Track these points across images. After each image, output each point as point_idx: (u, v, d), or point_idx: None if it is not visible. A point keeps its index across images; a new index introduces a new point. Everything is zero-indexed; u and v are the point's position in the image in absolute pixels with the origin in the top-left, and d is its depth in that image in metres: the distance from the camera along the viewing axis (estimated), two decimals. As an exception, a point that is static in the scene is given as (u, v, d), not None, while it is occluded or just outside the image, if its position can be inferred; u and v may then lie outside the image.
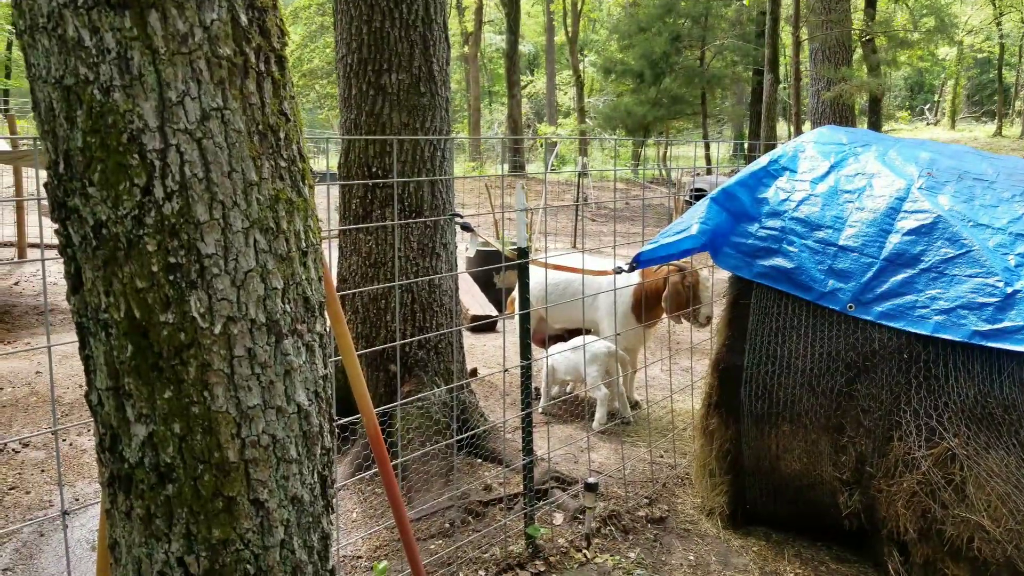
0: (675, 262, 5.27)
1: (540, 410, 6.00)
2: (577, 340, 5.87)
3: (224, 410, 1.45)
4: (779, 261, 4.08)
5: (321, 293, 1.60)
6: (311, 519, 1.60)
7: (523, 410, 3.74)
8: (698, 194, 17.81)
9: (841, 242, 4.00)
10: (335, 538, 2.12)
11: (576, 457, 5.17)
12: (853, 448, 3.94)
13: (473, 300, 8.80)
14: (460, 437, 4.60)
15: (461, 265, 9.77)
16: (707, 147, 27.21)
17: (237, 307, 1.43)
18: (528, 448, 3.72)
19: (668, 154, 30.64)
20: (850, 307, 3.87)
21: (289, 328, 1.52)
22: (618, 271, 4.14)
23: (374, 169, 4.57)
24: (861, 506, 3.97)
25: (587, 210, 20.38)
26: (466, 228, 3.57)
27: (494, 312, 8.21)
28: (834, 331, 3.96)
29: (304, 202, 1.56)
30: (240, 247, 1.43)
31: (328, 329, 1.70)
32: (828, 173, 4.33)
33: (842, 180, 4.26)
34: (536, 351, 6.66)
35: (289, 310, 1.52)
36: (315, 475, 1.60)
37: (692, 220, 4.19)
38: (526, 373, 3.70)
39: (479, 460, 4.75)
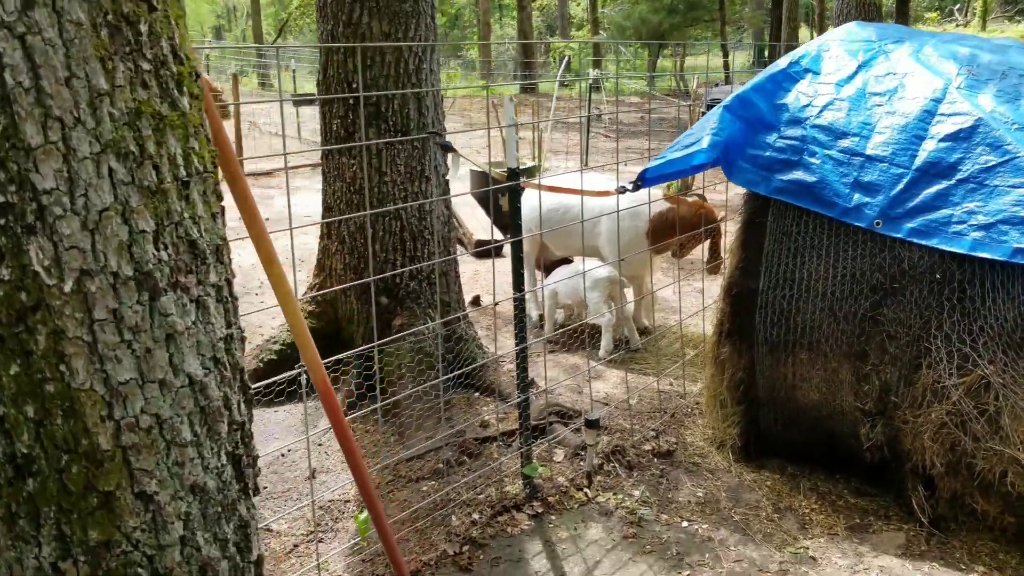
0: (698, 194, 4.91)
1: (545, 338, 5.73)
2: (578, 264, 5.55)
3: (88, 387, 1.16)
4: (799, 174, 3.71)
5: (216, 234, 1.29)
6: (221, 508, 1.32)
7: (517, 344, 3.45)
8: (714, 104, 17.14)
9: (868, 151, 3.62)
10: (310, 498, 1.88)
11: (580, 387, 4.92)
12: (877, 377, 3.64)
13: (476, 222, 8.45)
14: (453, 374, 4.34)
15: (457, 188, 9.39)
16: (725, 55, 26.19)
17: (92, 257, 1.13)
18: (523, 385, 3.45)
19: (684, 64, 29.62)
20: (877, 224, 3.52)
21: (168, 281, 1.21)
22: (621, 191, 3.78)
23: (354, 85, 4.19)
24: (884, 438, 3.69)
25: (600, 126, 19.74)
26: (446, 148, 3.21)
27: (500, 236, 7.88)
28: (859, 251, 3.61)
29: (182, 117, 1.23)
30: (90, 178, 1.11)
31: (231, 278, 1.39)
32: (855, 74, 3.90)
33: (871, 81, 3.84)
34: (540, 277, 6.36)
35: (167, 258, 1.21)
36: (222, 456, 1.32)
37: (703, 132, 3.80)
38: (519, 305, 3.40)
39: (477, 394, 4.50)
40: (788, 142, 3.79)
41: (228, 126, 13.29)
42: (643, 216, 5.15)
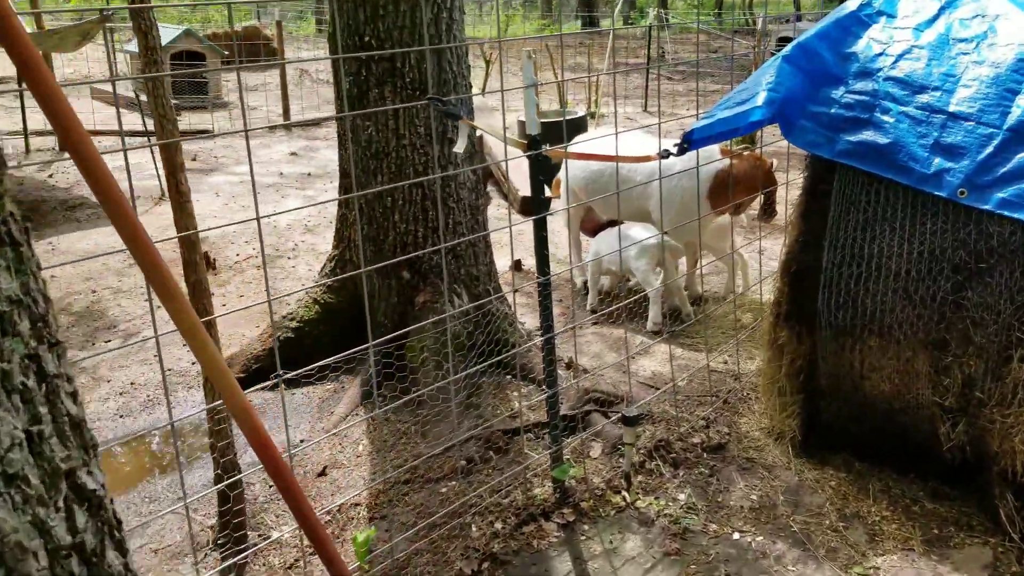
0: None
1: (588, 307, 5.33)
2: (626, 227, 5.09)
3: None
4: (870, 135, 3.19)
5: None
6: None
7: (543, 334, 3.07)
8: (783, 45, 16.12)
9: (952, 108, 3.08)
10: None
11: (624, 366, 4.52)
12: (959, 369, 3.16)
13: (523, 177, 8.00)
14: (482, 360, 3.97)
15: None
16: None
17: None
18: (551, 378, 3.08)
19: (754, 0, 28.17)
20: (961, 193, 3.00)
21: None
22: (664, 155, 3.32)
23: (367, 38, 3.78)
24: (967, 438, 3.23)
25: (663, 66, 18.84)
26: (450, 115, 2.78)
27: (547, 192, 7.44)
28: (939, 224, 3.11)
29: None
30: None
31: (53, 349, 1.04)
32: (937, 16, 3.33)
33: (955, 25, 3.27)
34: (585, 242, 5.93)
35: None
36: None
37: (758, 86, 3.29)
38: (544, 292, 3.01)
39: (509, 378, 4.15)
40: (857, 97, 3.26)
41: (274, 78, 13.00)
42: (701, 176, 4.63)
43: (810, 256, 3.42)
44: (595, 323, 5.11)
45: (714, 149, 4.80)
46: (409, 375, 3.90)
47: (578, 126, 8.59)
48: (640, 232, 4.95)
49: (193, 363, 4.65)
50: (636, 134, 5.39)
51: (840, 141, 3.25)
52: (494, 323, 4.15)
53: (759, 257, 4.98)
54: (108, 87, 14.97)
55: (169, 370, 4.57)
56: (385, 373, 3.93)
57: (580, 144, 5.50)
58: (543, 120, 8.88)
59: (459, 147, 2.70)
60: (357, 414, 3.91)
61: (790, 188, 4.42)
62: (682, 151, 3.40)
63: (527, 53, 2.74)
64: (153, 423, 4.06)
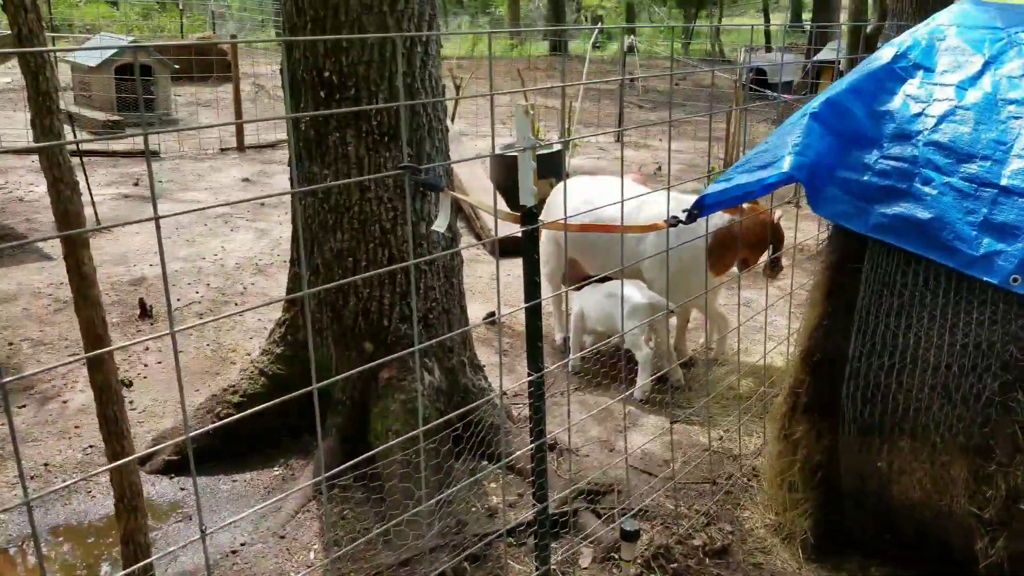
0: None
1: (569, 368, 4.86)
2: (614, 284, 4.64)
3: None
4: (909, 208, 2.78)
5: None
6: None
7: (534, 437, 2.58)
8: (757, 79, 15.87)
9: (1004, 181, 2.69)
10: None
11: (612, 442, 4.06)
12: (1003, 479, 2.76)
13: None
14: (458, 443, 3.47)
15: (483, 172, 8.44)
16: (767, 18, 24.75)
17: None
18: (541, 491, 2.59)
19: (721, 29, 28.23)
20: (1014, 280, 2.60)
21: None
22: (673, 223, 2.87)
23: (326, 73, 3.29)
24: (1006, 554, 2.82)
25: (632, 93, 18.58)
26: (429, 187, 2.28)
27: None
28: (987, 314, 2.71)
29: None
30: None
31: None
32: (981, 73, 2.95)
33: (1003, 83, 2.90)
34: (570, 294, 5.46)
35: None
36: None
37: (783, 148, 2.86)
38: (536, 393, 2.52)
39: (485, 463, 3.65)
40: (894, 163, 2.85)
41: (228, 93, 12.39)
42: (700, 232, 4.19)
43: (834, 342, 2.99)
44: (575, 388, 4.64)
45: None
46: (370, 466, 3.38)
47: (552, 163, 8.15)
48: (631, 291, 4.51)
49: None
50: (625, 183, 4.96)
51: (873, 213, 2.83)
52: (470, 401, 3.66)
53: (762, 317, 4.57)
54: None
55: (90, 447, 3.99)
56: (346, 456, 3.41)
57: (556, 193, 5.05)
58: (512, 153, 8.44)
59: (439, 224, 2.23)
60: (308, 510, 3.37)
61: (802, 238, 4.02)
62: (692, 218, 2.96)
63: (522, 108, 2.27)
64: (70, 517, 3.47)
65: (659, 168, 10.91)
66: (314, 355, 3.76)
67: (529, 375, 2.48)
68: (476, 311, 5.68)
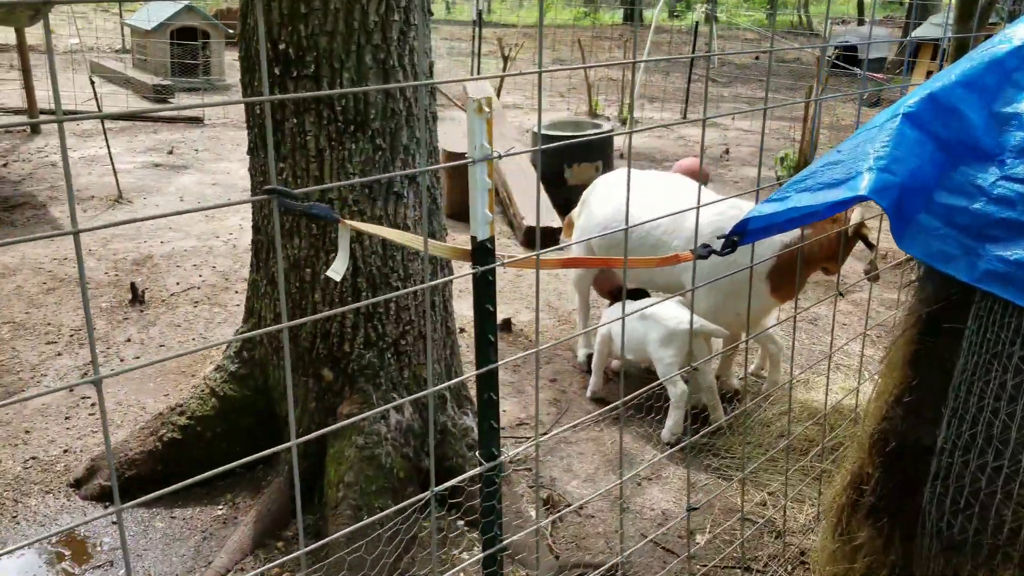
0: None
1: (588, 394, 4.16)
2: (648, 301, 3.91)
3: None
4: (1037, 253, 1.98)
5: None
6: None
7: (483, 546, 1.90)
8: (846, 55, 14.57)
9: None
10: None
11: (628, 498, 3.36)
12: None
13: (531, 203, 6.81)
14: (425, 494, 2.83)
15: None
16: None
17: None
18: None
19: (810, -2, 26.63)
20: None
21: None
22: (704, 253, 2.15)
23: (282, 46, 2.63)
24: None
25: (707, 68, 17.44)
26: (311, 217, 1.47)
27: (559, 222, 6.24)
28: None
29: None
30: None
31: None
32: None
33: None
34: (597, 305, 4.75)
35: None
36: None
37: (861, 159, 2.08)
38: (489, 488, 1.84)
39: (462, 524, 2.99)
40: (1020, 188, 2.04)
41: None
42: (759, 251, 3.40)
43: (917, 427, 2.22)
44: (593, 424, 3.94)
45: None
46: (320, 519, 2.76)
47: (601, 145, 7.37)
48: (670, 312, 3.76)
49: (67, 450, 3.57)
50: (672, 179, 4.19)
51: (987, 256, 2.03)
52: (448, 445, 3.00)
53: (828, 339, 3.77)
54: (110, 61, 13.99)
55: (31, 459, 3.48)
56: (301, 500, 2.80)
57: (596, 188, 4.32)
58: (557, 133, 7.67)
59: (338, 266, 1.57)
60: (243, 569, 2.78)
61: (886, 243, 3.19)
62: (730, 247, 2.22)
63: (476, 104, 1.57)
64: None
65: (727, 151, 9.98)
66: (270, 377, 3.17)
67: (480, 463, 1.80)
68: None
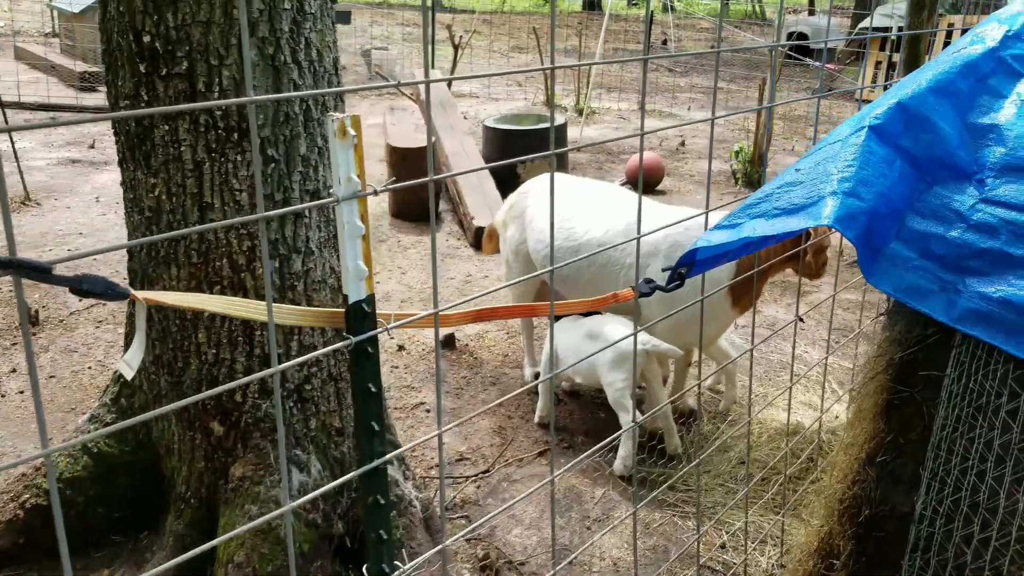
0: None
1: (536, 419, 3.81)
2: (599, 321, 3.57)
3: None
4: (1027, 289, 1.67)
5: None
6: None
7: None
8: (799, 44, 14.36)
9: None
10: None
11: (573, 546, 3.01)
12: None
13: (483, 201, 6.42)
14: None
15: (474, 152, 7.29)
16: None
17: None
18: None
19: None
20: None
21: None
22: (648, 290, 1.80)
23: (147, 38, 2.21)
24: None
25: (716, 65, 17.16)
26: (82, 294, 1.12)
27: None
28: None
29: None
30: None
31: None
32: None
33: None
34: (538, 326, 4.38)
35: None
36: None
37: (823, 180, 1.74)
38: (378, 571, 1.47)
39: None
40: (1003, 213, 1.72)
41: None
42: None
43: (892, 490, 1.90)
44: (541, 450, 3.59)
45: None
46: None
47: (557, 141, 6.99)
48: (618, 330, 3.43)
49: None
50: (611, 191, 3.84)
51: (967, 293, 1.71)
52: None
53: (788, 346, 3.45)
54: (36, 46, 13.25)
55: None
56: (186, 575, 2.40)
57: (533, 196, 3.95)
58: (515, 128, 7.29)
59: (131, 356, 1.20)
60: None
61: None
62: (677, 281, 1.88)
63: (338, 123, 1.20)
64: None
65: (682, 144, 9.69)
66: (153, 429, 2.75)
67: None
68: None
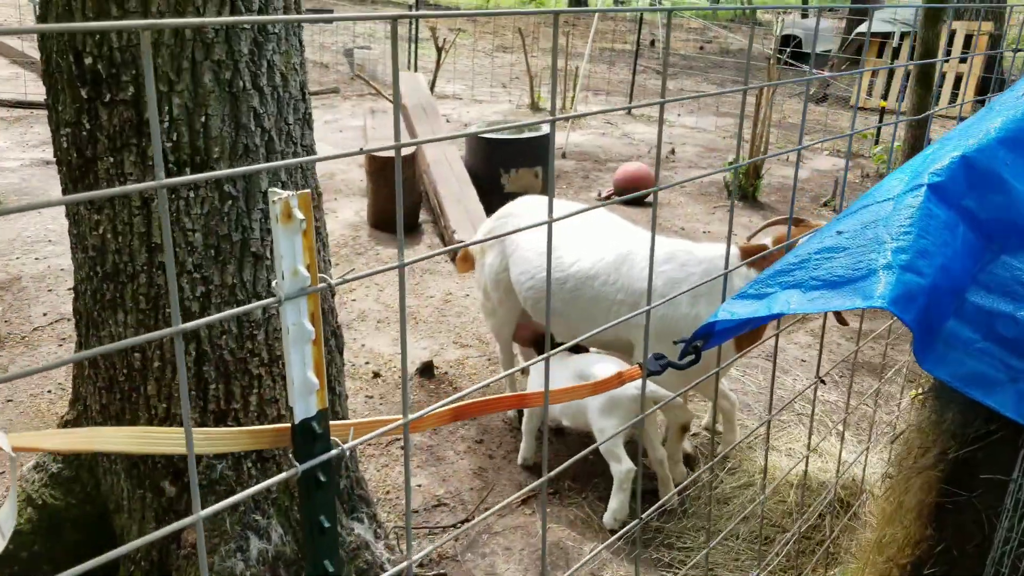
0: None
1: (519, 461, 3.56)
2: (588, 361, 3.32)
3: None
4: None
5: None
6: None
7: None
8: (793, 50, 14.19)
9: None
10: None
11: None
12: None
13: (465, 215, 6.16)
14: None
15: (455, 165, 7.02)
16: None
17: None
18: None
19: (755, -13, 26.34)
20: None
21: None
22: (658, 368, 1.57)
23: (88, 60, 1.94)
24: None
25: (653, 56, 16.96)
26: None
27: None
28: None
29: None
30: None
31: None
32: None
33: None
34: (521, 356, 4.13)
35: None
36: None
37: (874, 250, 1.49)
38: None
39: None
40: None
41: None
42: (718, 293, 2.84)
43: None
44: (524, 500, 3.34)
45: (734, 252, 3.02)
46: None
47: (542, 149, 6.75)
48: (607, 369, 3.18)
49: None
50: (599, 217, 3.58)
51: (1046, 386, 1.47)
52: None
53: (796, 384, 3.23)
54: (14, 41, 12.81)
55: None
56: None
57: (515, 221, 3.69)
58: (498, 138, 7.03)
59: (3, 520, 0.95)
60: None
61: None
62: (692, 356, 1.63)
63: (282, 205, 0.94)
64: None
65: (672, 151, 9.46)
66: (101, 482, 2.48)
67: None
68: (413, 353, 4.38)
